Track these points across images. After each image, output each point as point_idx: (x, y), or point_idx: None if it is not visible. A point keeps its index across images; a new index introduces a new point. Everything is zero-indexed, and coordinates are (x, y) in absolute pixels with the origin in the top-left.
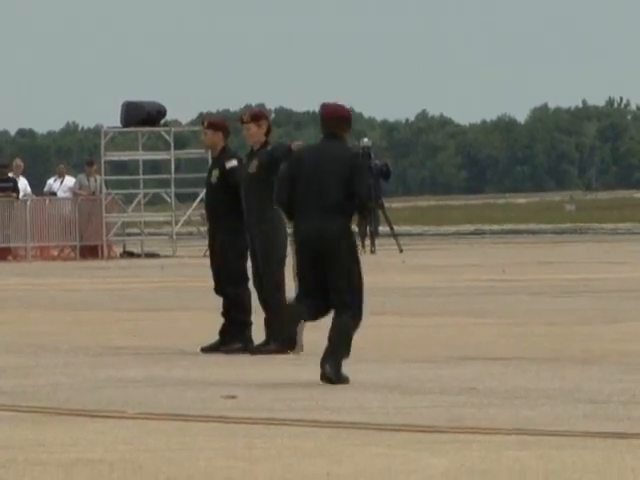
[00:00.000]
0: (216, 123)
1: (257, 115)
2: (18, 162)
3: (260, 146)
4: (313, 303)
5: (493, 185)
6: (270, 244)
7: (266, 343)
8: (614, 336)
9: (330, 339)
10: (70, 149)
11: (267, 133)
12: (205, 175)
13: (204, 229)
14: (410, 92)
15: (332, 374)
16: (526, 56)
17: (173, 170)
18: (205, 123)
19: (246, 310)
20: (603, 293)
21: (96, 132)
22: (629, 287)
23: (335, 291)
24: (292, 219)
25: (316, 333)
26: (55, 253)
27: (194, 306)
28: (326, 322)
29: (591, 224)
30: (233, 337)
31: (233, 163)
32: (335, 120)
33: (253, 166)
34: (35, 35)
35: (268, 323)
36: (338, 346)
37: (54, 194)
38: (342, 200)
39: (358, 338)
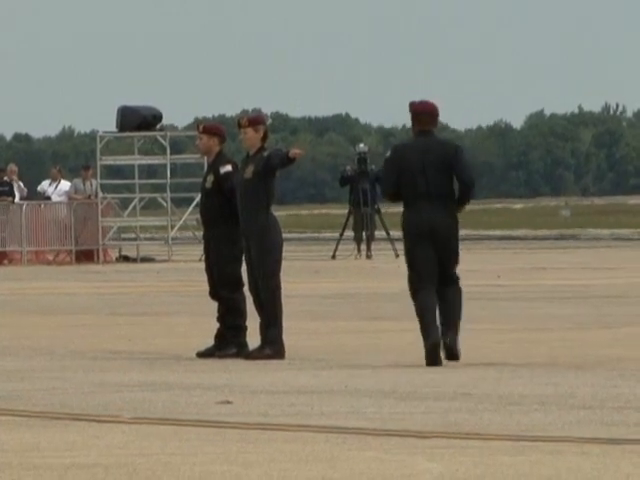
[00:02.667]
0: (211, 128)
1: (255, 120)
2: (12, 167)
3: (256, 151)
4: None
5: (489, 191)
6: (266, 249)
7: (261, 348)
8: (609, 342)
9: (444, 312)
10: (66, 154)
11: (264, 138)
12: (201, 180)
13: (200, 234)
14: (406, 98)
15: (454, 342)
16: (522, 62)
17: (169, 175)
18: (200, 128)
19: (241, 315)
20: (598, 299)
21: (92, 137)
22: (624, 293)
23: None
24: (396, 201)
25: (312, 339)
26: (51, 257)
27: (189, 311)
28: (317, 328)
29: (586, 230)
30: (228, 342)
31: (227, 168)
32: (426, 116)
33: (249, 171)
34: (31, 40)
35: (263, 328)
36: (456, 317)
37: (48, 198)
38: (450, 189)
39: (353, 343)
